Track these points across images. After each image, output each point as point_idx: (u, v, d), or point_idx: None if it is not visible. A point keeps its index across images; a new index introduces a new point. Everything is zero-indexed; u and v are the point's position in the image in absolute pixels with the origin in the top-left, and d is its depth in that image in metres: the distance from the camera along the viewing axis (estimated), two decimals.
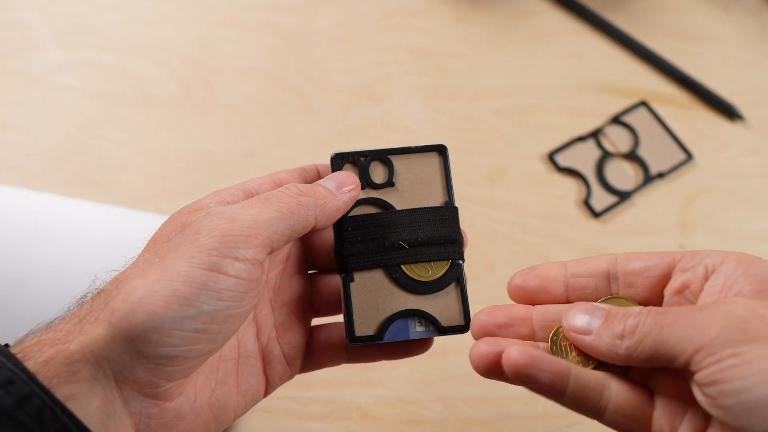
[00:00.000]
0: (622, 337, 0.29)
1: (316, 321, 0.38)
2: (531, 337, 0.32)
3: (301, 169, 0.37)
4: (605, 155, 0.59)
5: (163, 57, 0.61)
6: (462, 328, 0.35)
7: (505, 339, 0.32)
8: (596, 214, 0.56)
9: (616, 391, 0.29)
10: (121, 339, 0.27)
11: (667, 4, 0.68)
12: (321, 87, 0.61)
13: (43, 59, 0.60)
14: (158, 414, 0.29)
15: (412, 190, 0.36)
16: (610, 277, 0.32)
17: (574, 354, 0.31)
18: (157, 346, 0.27)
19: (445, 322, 0.35)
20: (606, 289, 0.32)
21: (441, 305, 0.35)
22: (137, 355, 0.27)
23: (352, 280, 0.35)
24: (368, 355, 0.36)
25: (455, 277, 0.35)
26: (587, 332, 0.30)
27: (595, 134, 0.60)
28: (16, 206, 0.51)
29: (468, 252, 0.38)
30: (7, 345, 0.28)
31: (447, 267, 0.35)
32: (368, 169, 0.36)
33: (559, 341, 0.31)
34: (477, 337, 0.32)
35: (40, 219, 0.50)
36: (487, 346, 0.30)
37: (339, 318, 0.36)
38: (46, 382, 0.26)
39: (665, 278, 0.31)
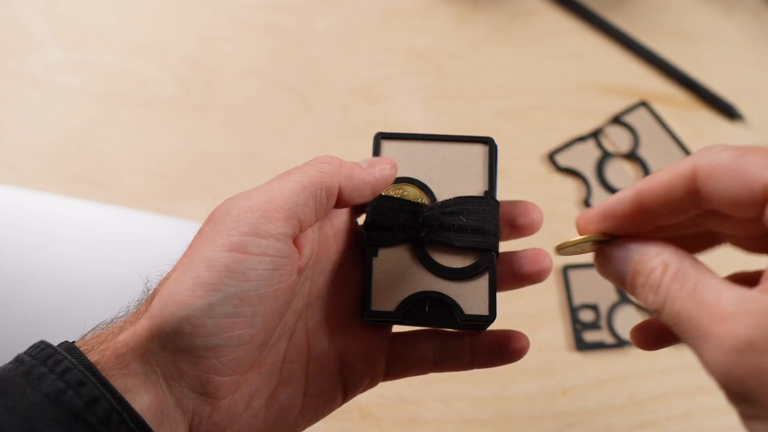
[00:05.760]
0: (650, 306, 0.25)
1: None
2: None
3: None
4: (605, 155, 0.59)
5: (163, 57, 0.61)
6: (485, 318, 0.32)
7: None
8: None
9: None
10: (158, 333, 0.27)
11: (667, 4, 0.68)
12: (321, 87, 0.61)
13: (43, 59, 0.60)
14: (210, 413, 0.29)
15: (451, 178, 0.35)
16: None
17: None
18: (192, 337, 0.27)
19: (467, 310, 0.32)
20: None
21: (466, 293, 0.33)
22: (176, 349, 0.27)
23: (376, 255, 0.33)
24: (459, 362, 0.35)
25: (485, 267, 0.33)
26: (623, 286, 0.27)
27: (596, 134, 0.60)
28: (16, 206, 0.51)
29: None
30: (72, 342, 0.28)
31: (478, 257, 0.33)
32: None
33: None
34: None
35: (40, 219, 0.50)
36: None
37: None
38: (104, 373, 0.26)
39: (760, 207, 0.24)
